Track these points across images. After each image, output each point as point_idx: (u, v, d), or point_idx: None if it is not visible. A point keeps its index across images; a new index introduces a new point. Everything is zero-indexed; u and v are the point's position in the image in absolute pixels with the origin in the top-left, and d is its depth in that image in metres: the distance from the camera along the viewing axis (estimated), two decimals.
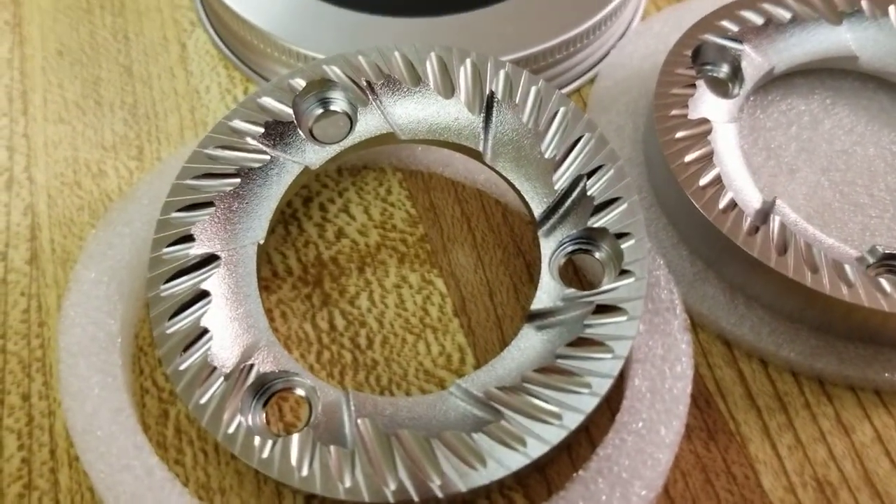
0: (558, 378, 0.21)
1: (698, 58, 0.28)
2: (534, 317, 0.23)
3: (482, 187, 0.28)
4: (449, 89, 0.26)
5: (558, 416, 0.21)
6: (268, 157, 0.25)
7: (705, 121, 0.27)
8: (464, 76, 0.26)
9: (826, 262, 0.23)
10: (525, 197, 0.25)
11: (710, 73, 0.29)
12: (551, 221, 0.24)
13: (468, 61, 0.26)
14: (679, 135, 0.26)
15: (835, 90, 0.30)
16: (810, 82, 0.30)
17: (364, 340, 0.25)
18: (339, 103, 0.26)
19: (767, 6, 0.30)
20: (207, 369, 0.22)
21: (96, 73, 0.31)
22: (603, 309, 0.22)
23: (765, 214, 0.25)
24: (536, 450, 0.21)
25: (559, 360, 0.22)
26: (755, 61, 0.29)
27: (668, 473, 0.22)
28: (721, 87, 0.29)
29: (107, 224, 0.25)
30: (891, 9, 0.30)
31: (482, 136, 0.25)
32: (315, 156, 0.25)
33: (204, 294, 0.23)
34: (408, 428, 0.21)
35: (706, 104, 0.27)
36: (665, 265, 0.25)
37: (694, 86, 0.28)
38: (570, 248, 0.24)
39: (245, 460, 0.21)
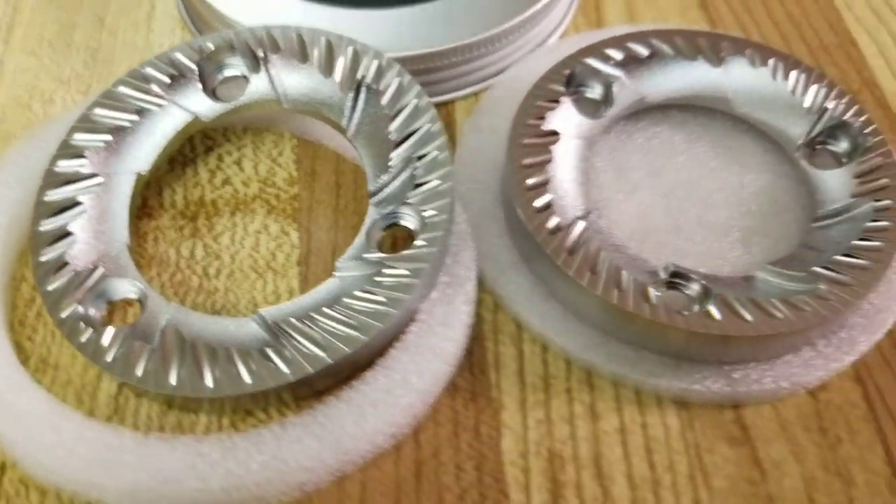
0: (337, 319, 0.26)
1: (574, 78, 0.32)
2: (340, 269, 0.28)
3: (357, 162, 0.33)
4: (329, 69, 0.31)
5: (325, 349, 0.26)
6: (165, 104, 0.31)
7: (554, 133, 0.31)
8: (343, 60, 0.31)
9: (608, 267, 0.27)
10: (367, 170, 0.29)
11: (581, 93, 0.33)
12: (382, 194, 0.29)
13: (350, 49, 0.31)
14: (526, 141, 0.30)
15: (704, 127, 0.33)
16: (684, 116, 0.34)
17: (213, 271, 0.30)
18: (237, 68, 0.32)
19: (655, 41, 0.33)
20: (61, 263, 0.27)
21: (74, 19, 0.38)
22: (393, 270, 0.27)
23: (573, 220, 0.29)
24: (297, 373, 0.25)
25: (343, 305, 0.26)
26: (628, 88, 0.32)
27: (419, 420, 0.27)
28: (590, 107, 0.32)
29: (29, 138, 0.31)
30: (770, 61, 0.33)
31: (348, 114, 0.30)
32: (208, 109, 0.31)
33: (77, 203, 0.29)
34: (206, 340, 0.26)
35: (563, 119, 0.31)
36: (475, 248, 0.29)
37: (558, 101, 0.32)
38: (389, 221, 0.28)
39: (69, 341, 0.26)
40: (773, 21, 0.38)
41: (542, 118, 0.31)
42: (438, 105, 0.35)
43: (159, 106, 0.31)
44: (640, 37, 0.33)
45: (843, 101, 0.31)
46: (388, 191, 0.29)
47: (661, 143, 0.33)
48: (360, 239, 0.28)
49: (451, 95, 0.35)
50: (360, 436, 0.25)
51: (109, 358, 0.26)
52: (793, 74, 0.32)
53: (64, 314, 0.27)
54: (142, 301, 0.28)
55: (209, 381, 0.25)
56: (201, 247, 0.31)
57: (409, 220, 0.28)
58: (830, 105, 0.31)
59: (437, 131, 0.29)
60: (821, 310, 0.26)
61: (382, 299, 0.26)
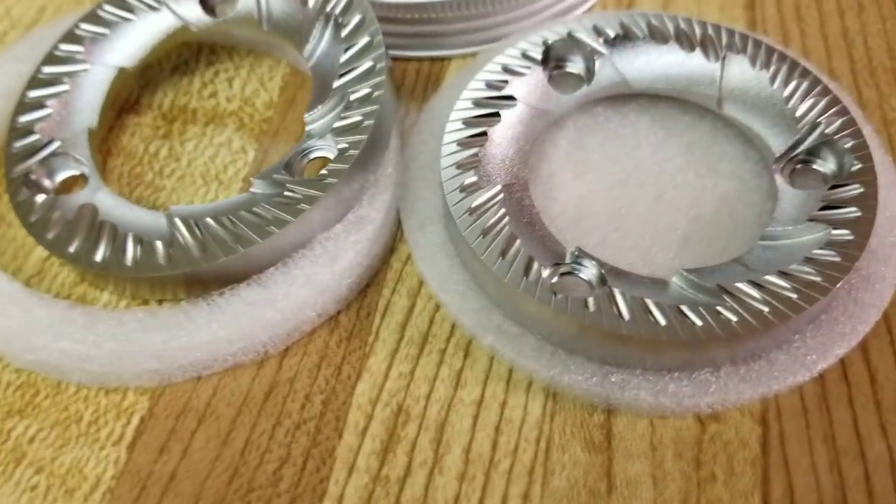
0: (228, 228, 0.27)
1: (554, 49, 0.31)
2: (253, 185, 0.28)
3: None
4: None
5: (203, 251, 0.27)
6: (160, 7, 0.33)
7: (510, 98, 0.30)
8: None
9: (509, 241, 0.26)
10: (310, 100, 0.30)
11: (562, 66, 0.31)
12: (314, 125, 0.29)
13: None
14: (479, 96, 0.30)
15: (688, 125, 0.31)
16: (673, 111, 0.32)
17: (168, 171, 0.32)
18: None
19: (654, 22, 0.31)
20: (29, 130, 0.30)
21: None
22: (291, 193, 0.27)
23: (497, 187, 0.28)
24: (175, 268, 0.26)
25: (238, 217, 0.27)
26: (612, 68, 0.31)
27: (288, 341, 0.27)
28: (566, 82, 0.31)
29: (54, 23, 0.35)
30: (774, 64, 0.30)
31: (313, 43, 0.31)
32: (198, 20, 0.33)
33: (61, 82, 0.31)
34: (115, 222, 0.28)
35: (527, 87, 0.30)
36: (397, 195, 0.29)
37: (529, 68, 0.31)
38: (310, 149, 0.29)
39: (10, 198, 0.29)
40: (823, 33, 0.34)
41: (506, 82, 0.30)
42: (432, 61, 0.35)
43: (154, 9, 0.33)
44: (639, 16, 0.32)
45: (842, 118, 0.28)
46: (320, 122, 0.29)
47: (635, 133, 0.31)
48: (281, 160, 0.29)
49: (449, 52, 0.35)
50: (215, 342, 0.26)
51: (32, 220, 0.28)
52: (794, 82, 0.29)
53: (13, 174, 0.29)
54: (86, 178, 0.30)
55: (100, 256, 0.27)
56: (167, 147, 0.33)
57: (326, 151, 0.28)
58: (825, 120, 0.28)
59: (379, 70, 0.29)
60: (716, 329, 0.24)
61: (270, 217, 0.27)
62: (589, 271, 0.26)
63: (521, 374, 0.26)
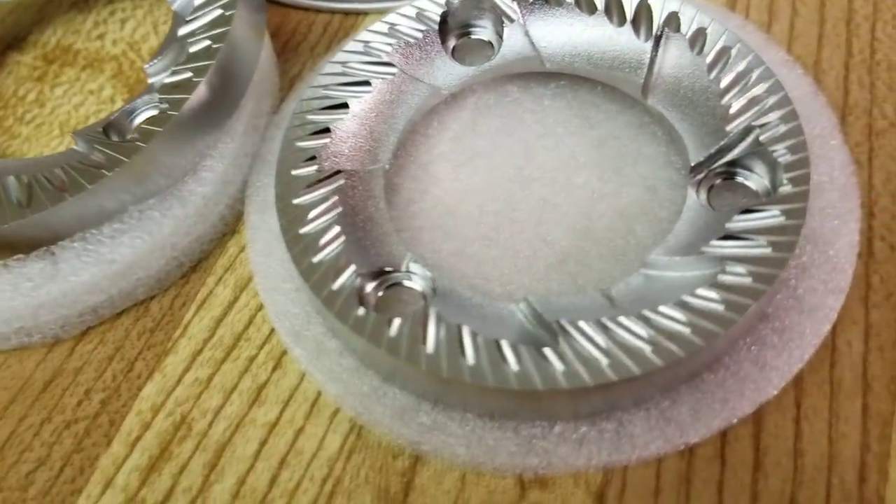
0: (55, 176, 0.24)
1: (456, 11, 0.27)
2: None
3: None
4: None
5: None
6: None
7: (389, 65, 0.26)
8: None
9: (335, 243, 0.22)
10: None
11: (468, 33, 0.27)
12: None
13: None
14: (351, 63, 0.26)
15: (609, 114, 0.26)
16: (594, 97, 0.26)
17: (30, 117, 0.30)
18: None
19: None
20: None
21: None
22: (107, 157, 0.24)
23: (342, 172, 0.24)
24: None
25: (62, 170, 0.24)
26: (520, 38, 0.26)
27: (81, 326, 0.24)
28: (467, 52, 0.26)
29: None
30: (717, 47, 0.24)
31: None
32: None
33: None
34: None
35: (412, 56, 0.26)
36: (237, 172, 0.25)
37: (422, 31, 0.26)
38: None
39: None
40: (822, 15, 0.28)
41: (389, 45, 0.26)
42: (345, 14, 0.31)
43: None
44: None
45: (788, 125, 0.22)
46: (161, 76, 0.25)
47: (542, 119, 0.26)
48: (108, 116, 0.25)
49: (363, 5, 0.31)
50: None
51: None
52: (735, 72, 0.23)
53: None
54: None
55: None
56: (36, 91, 0.30)
57: (153, 110, 0.25)
58: (764, 120, 0.22)
59: (227, 18, 0.25)
60: (534, 378, 0.19)
61: (66, 181, 0.23)
62: (417, 285, 0.22)
63: (328, 398, 0.22)
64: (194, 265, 0.25)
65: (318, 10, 0.31)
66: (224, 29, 0.25)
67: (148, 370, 0.24)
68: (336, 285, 0.21)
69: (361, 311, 0.21)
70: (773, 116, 0.23)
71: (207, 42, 0.25)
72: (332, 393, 0.22)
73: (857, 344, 0.21)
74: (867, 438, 0.20)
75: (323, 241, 0.22)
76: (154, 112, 0.24)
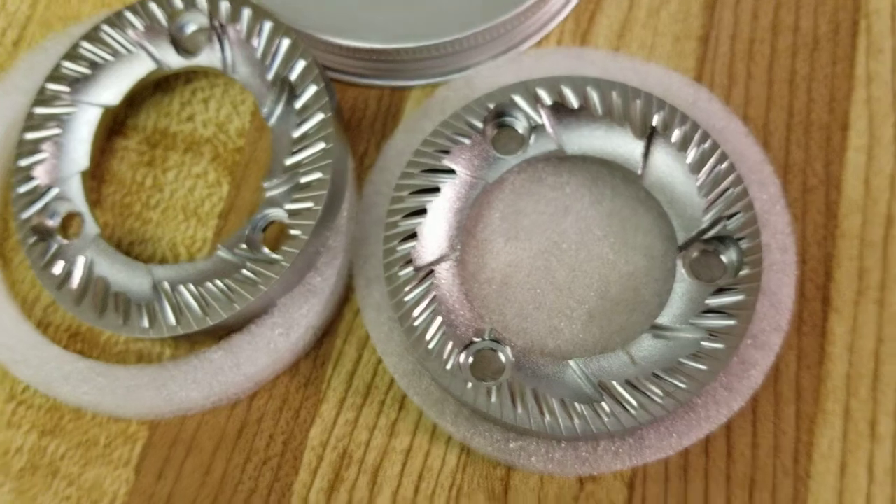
0: (196, 296, 0.33)
1: (499, 113, 0.34)
2: (218, 250, 0.34)
3: None
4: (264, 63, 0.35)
5: (179, 321, 0.33)
6: (136, 49, 0.36)
7: (450, 171, 0.34)
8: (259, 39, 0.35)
9: (439, 333, 0.32)
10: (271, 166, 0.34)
11: (507, 125, 0.35)
12: (272, 192, 0.34)
13: (268, 24, 0.34)
14: (416, 175, 0.34)
15: (616, 190, 0.35)
16: (601, 173, 0.35)
17: (154, 202, 0.38)
18: (198, 23, 0.36)
19: (591, 90, 0.34)
20: (29, 177, 0.35)
21: None
22: (247, 273, 0.33)
23: (432, 261, 0.33)
24: (160, 332, 0.33)
25: (206, 288, 0.33)
26: (548, 136, 0.34)
27: (255, 389, 0.34)
28: (505, 146, 0.35)
29: (44, 48, 0.38)
30: (696, 148, 0.33)
31: (269, 107, 0.35)
32: (172, 61, 0.36)
33: (55, 124, 0.36)
34: (109, 283, 0.34)
35: (466, 157, 0.34)
36: (348, 256, 0.35)
37: (470, 138, 0.34)
38: (266, 221, 0.34)
39: (21, 244, 0.35)
40: (770, 77, 0.36)
41: (447, 151, 0.34)
42: (392, 90, 0.38)
43: (131, 52, 0.36)
44: (579, 83, 0.34)
45: (745, 216, 0.32)
46: (277, 191, 0.34)
47: (564, 196, 0.35)
48: (240, 231, 0.34)
49: (406, 83, 0.38)
50: (192, 399, 0.33)
51: (41, 265, 0.35)
52: (707, 167, 0.33)
53: (20, 219, 0.35)
54: (82, 219, 0.35)
55: (93, 318, 0.34)
56: (152, 176, 0.38)
57: (277, 216, 0.33)
58: (731, 214, 0.32)
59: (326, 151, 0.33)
60: (592, 429, 0.30)
61: (232, 295, 0.33)
62: (501, 353, 0.32)
63: (442, 430, 0.34)
64: (324, 332, 0.35)
65: (370, 87, 0.38)
66: (327, 162, 0.33)
67: (310, 416, 0.34)
68: (445, 358, 0.31)
69: (469, 385, 0.31)
70: (736, 208, 0.32)
71: (318, 174, 0.33)
72: (445, 428, 0.33)
73: (792, 365, 0.33)
74: (799, 433, 0.32)
75: (426, 322, 0.32)
76: (280, 217, 0.33)
